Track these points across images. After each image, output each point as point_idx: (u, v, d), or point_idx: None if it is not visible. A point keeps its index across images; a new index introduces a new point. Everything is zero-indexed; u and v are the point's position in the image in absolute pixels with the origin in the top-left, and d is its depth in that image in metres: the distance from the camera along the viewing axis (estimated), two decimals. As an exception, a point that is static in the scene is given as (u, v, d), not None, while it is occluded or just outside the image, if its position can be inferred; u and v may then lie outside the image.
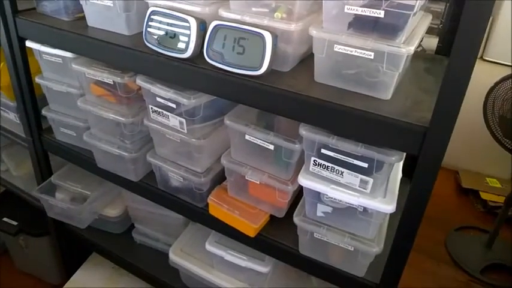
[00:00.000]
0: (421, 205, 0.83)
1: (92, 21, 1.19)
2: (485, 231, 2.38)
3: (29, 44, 1.33)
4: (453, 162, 2.89)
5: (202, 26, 0.97)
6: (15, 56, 1.36)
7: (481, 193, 2.69)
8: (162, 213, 1.51)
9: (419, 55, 1.15)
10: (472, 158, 2.88)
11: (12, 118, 1.65)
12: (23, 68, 1.38)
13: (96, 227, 1.70)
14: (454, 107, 0.72)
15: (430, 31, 1.06)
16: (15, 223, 1.86)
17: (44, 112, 1.46)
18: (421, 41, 1.08)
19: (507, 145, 1.95)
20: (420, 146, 0.78)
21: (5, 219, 1.87)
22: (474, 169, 2.91)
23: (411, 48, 0.79)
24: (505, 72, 1.99)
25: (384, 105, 0.85)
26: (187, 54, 0.98)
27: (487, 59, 2.61)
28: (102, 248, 1.70)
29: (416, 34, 0.88)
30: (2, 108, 1.66)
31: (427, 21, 1.00)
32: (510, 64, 2.51)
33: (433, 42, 1.20)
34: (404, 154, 0.88)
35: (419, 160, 0.79)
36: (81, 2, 1.17)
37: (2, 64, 1.50)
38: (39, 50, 1.32)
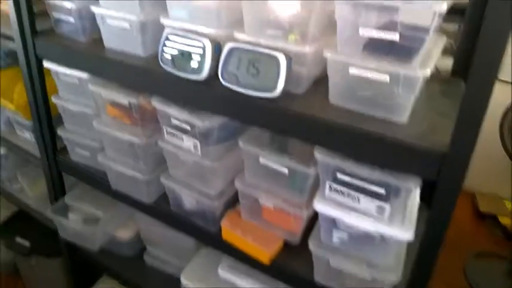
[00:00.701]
0: (440, 233, 0.80)
1: (108, 42, 1.21)
2: (505, 258, 2.31)
3: (46, 64, 1.35)
4: (469, 184, 2.82)
5: (217, 48, 0.97)
6: (33, 77, 1.38)
7: (499, 218, 2.61)
8: (175, 236, 1.49)
9: (433, 77, 1.13)
10: (489, 180, 2.81)
11: (27, 137, 1.66)
12: (40, 88, 1.39)
13: (108, 249, 1.69)
14: (473, 131, 0.70)
15: (443, 51, 1.05)
16: (27, 244, 1.86)
17: (59, 132, 1.47)
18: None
19: (526, 168, 1.91)
20: (438, 171, 0.76)
21: (17, 239, 1.87)
22: (491, 191, 2.84)
23: (427, 71, 0.78)
24: (521, 93, 1.96)
25: (400, 129, 0.83)
26: (202, 76, 0.98)
27: (502, 79, 2.57)
28: (112, 271, 1.68)
29: (432, 56, 0.86)
30: (18, 127, 1.68)
31: (441, 42, 0.99)
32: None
33: (446, 63, 1.18)
34: (422, 180, 0.85)
35: (438, 186, 0.77)
36: (98, 24, 1.19)
37: (19, 84, 1.53)
38: (56, 71, 1.34)
